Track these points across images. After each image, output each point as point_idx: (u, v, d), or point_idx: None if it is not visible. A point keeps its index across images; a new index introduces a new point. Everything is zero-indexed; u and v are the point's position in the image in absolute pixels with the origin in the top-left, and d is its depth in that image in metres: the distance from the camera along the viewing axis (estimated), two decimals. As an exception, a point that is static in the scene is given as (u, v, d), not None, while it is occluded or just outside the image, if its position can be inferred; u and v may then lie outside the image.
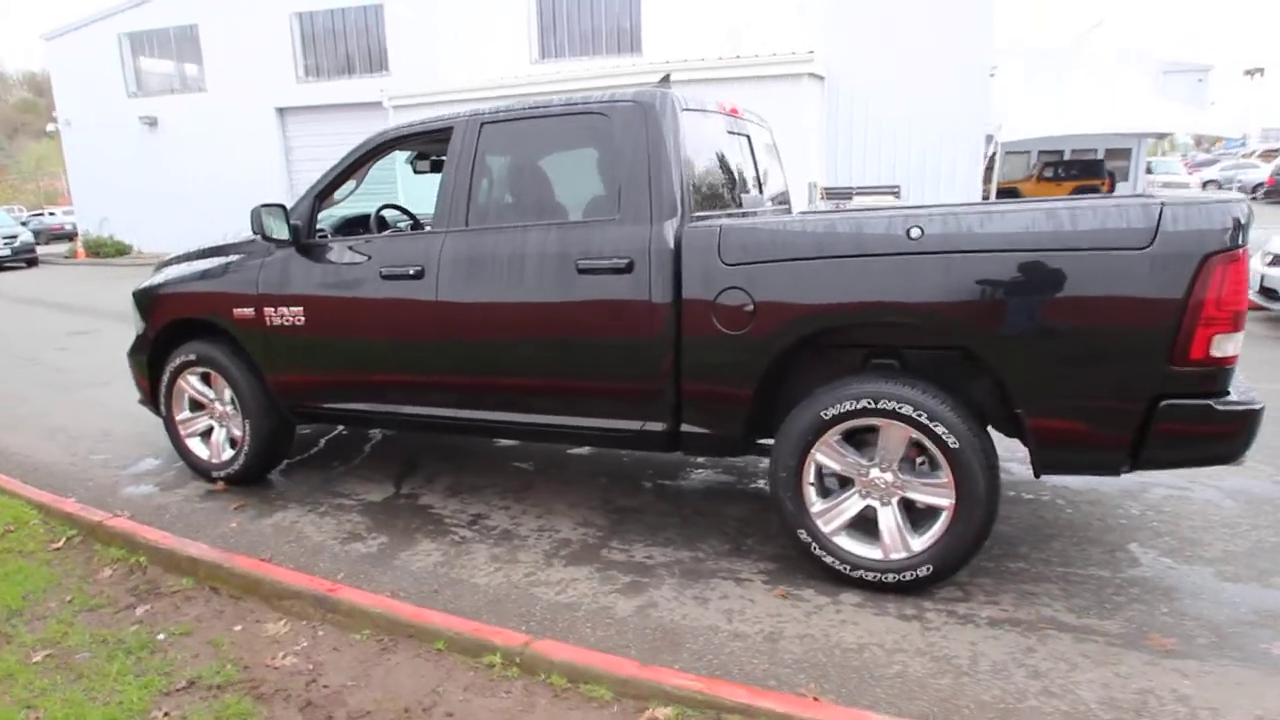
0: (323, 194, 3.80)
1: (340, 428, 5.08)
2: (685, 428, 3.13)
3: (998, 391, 2.80)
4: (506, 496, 3.93)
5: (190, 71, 19.85)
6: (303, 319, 3.73)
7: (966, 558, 2.78)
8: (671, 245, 2.99)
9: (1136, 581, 2.90)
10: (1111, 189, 20.21)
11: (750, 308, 2.87)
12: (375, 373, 3.66)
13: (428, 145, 4.11)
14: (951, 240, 2.60)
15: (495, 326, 3.32)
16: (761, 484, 4.01)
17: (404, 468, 4.42)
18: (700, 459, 4.31)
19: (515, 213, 3.39)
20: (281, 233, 3.66)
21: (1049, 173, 21.05)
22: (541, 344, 3.24)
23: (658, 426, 3.17)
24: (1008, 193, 19.07)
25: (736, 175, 3.62)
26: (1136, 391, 2.51)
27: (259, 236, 3.66)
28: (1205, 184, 27.68)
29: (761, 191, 3.92)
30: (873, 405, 2.76)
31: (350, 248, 3.67)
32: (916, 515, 2.88)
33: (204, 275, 4.05)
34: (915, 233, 2.66)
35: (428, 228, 3.65)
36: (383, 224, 4.23)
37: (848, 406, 2.79)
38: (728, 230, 2.92)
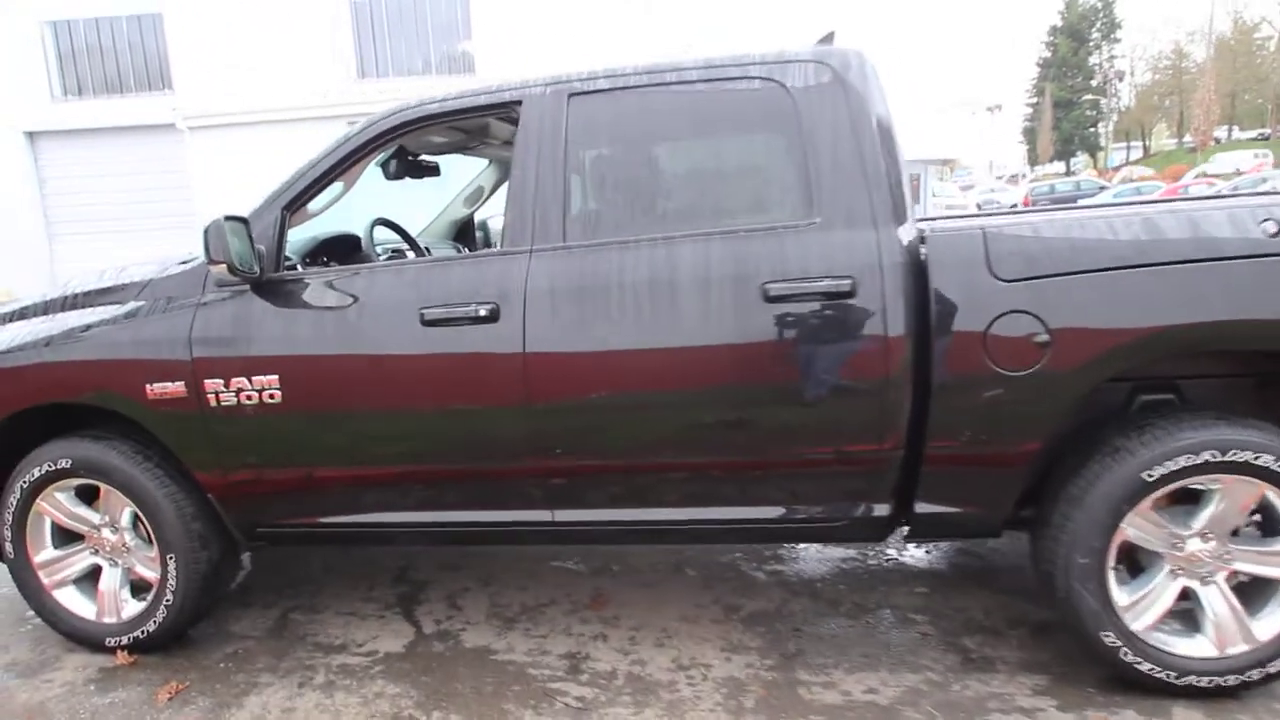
0: (294, 203, 2.52)
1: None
2: (923, 507, 2.24)
3: None
4: (586, 618, 2.81)
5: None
6: (278, 392, 2.42)
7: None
8: (908, 258, 2.12)
9: None
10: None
11: (1043, 337, 2.05)
12: (411, 463, 2.44)
13: (459, 131, 2.94)
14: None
15: (624, 385, 2.25)
16: (913, 555, 3.19)
17: (398, 585, 3.13)
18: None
19: (645, 220, 2.34)
20: (250, 262, 2.35)
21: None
22: (704, 406, 2.22)
23: (880, 509, 2.26)
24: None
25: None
26: None
27: (215, 267, 2.30)
28: (979, 204, 30.88)
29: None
30: (1218, 458, 2.04)
31: (357, 281, 2.43)
32: (1245, 593, 2.20)
33: (80, 336, 2.59)
34: (1271, 228, 1.99)
35: (496, 246, 2.51)
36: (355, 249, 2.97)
37: (1184, 463, 2.05)
38: (1000, 236, 2.09)
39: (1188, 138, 52.33)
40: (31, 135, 15.71)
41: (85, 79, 15.76)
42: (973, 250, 2.09)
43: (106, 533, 2.73)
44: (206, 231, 2.25)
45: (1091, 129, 57.90)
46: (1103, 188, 31.04)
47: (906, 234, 2.15)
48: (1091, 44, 58.26)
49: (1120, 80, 56.92)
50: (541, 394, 2.27)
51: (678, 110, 2.34)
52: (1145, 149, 59.71)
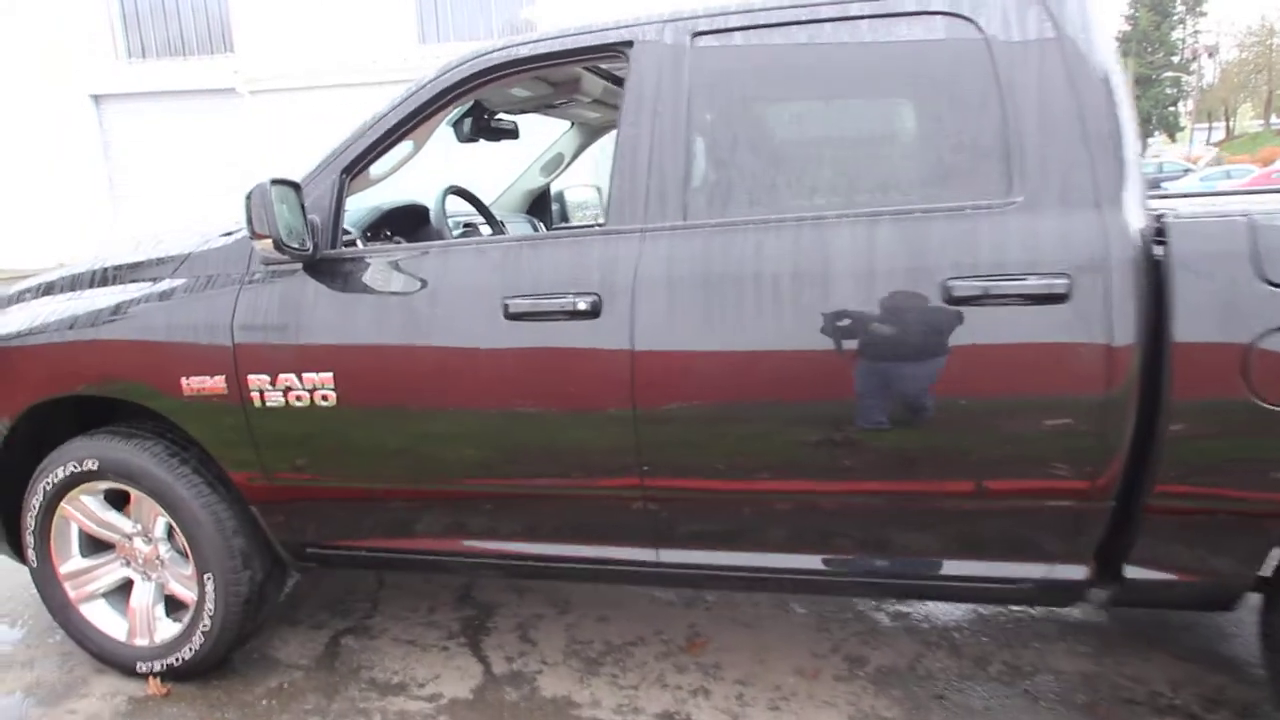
0: (354, 166, 2.11)
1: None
2: (1136, 572, 1.75)
3: None
4: (682, 665, 2.39)
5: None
6: (332, 392, 2.03)
7: None
8: (1142, 251, 1.62)
9: None
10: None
11: (1331, 362, 1.54)
12: (487, 479, 2.03)
13: (546, 83, 2.50)
14: None
15: (755, 393, 1.80)
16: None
17: (461, 607, 2.75)
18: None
19: (789, 195, 1.86)
20: (302, 236, 1.95)
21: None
22: (854, 426, 1.76)
23: (1075, 572, 1.78)
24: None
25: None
26: None
27: (259, 242, 1.90)
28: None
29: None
30: None
31: (428, 262, 2.01)
32: None
33: (108, 318, 2.22)
34: None
35: (571, 221, 2.07)
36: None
37: None
38: (1274, 229, 1.57)
39: (1275, 119, 49.35)
40: (97, 98, 15.74)
41: (149, 42, 15.71)
42: (1234, 244, 1.57)
43: (139, 543, 2.39)
44: (249, 198, 1.84)
45: (1171, 108, 55.02)
46: (1188, 170, 29.29)
47: (1137, 219, 1.64)
48: (1175, 18, 55.16)
49: (1210, 56, 53.82)
50: (650, 398, 1.83)
51: (833, 55, 1.84)
52: (1228, 130, 56.59)
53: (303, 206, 1.97)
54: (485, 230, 2.87)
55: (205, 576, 2.25)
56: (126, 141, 15.78)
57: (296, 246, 1.92)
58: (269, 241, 1.84)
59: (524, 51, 2.02)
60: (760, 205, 1.83)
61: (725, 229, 1.81)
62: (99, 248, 2.69)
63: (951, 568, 1.83)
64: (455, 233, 2.63)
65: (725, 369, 1.80)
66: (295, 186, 1.96)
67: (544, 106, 2.83)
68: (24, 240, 15.17)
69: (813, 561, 1.90)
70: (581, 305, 1.83)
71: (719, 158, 1.87)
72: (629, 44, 1.94)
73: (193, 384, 2.13)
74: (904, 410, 1.73)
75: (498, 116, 2.82)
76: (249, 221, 1.85)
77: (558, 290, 1.87)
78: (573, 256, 1.90)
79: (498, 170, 3.68)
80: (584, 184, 3.91)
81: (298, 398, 2.06)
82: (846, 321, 1.72)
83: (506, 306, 1.89)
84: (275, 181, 1.87)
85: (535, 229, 3.47)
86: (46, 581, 2.44)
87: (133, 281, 2.27)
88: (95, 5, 15.30)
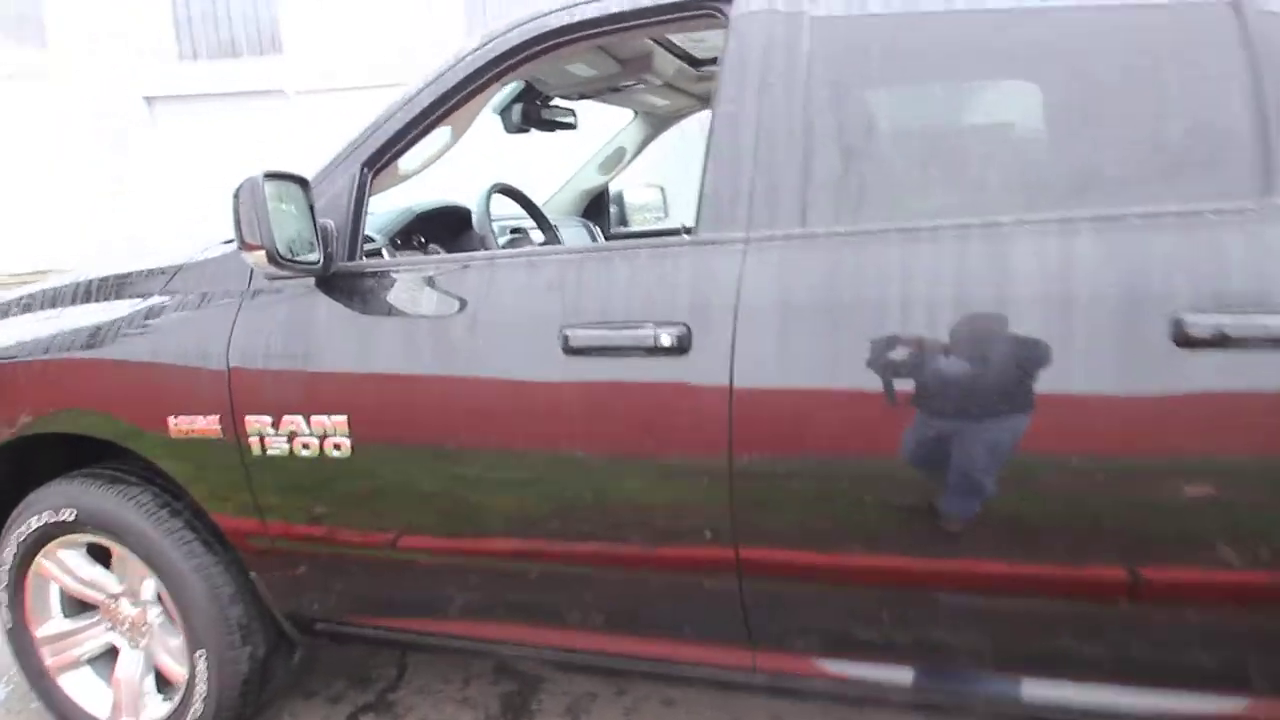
0: (379, 158, 1.70)
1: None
2: None
3: None
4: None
5: (30, 55, 16.35)
6: (346, 440, 1.62)
7: None
8: None
9: None
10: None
11: None
12: (538, 542, 1.59)
13: (613, 59, 2.07)
14: None
15: (893, 451, 1.34)
16: None
17: (500, 680, 2.33)
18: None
19: (947, 194, 1.40)
20: (309, 246, 1.54)
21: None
22: (1040, 490, 1.29)
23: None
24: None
25: None
26: None
27: (250, 255, 1.49)
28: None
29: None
30: None
31: (468, 277, 1.59)
32: None
33: (86, 343, 1.85)
34: None
35: (684, 233, 1.69)
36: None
37: None
38: None
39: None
40: (151, 100, 15.82)
41: (200, 44, 15.74)
42: None
43: (125, 605, 2.02)
44: (237, 197, 1.44)
45: None
46: None
47: None
48: None
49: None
50: (753, 445, 1.38)
51: (1005, 18, 1.37)
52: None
53: (311, 208, 1.57)
54: (537, 237, 2.45)
55: (198, 654, 1.87)
56: (177, 143, 15.82)
57: (301, 259, 1.52)
58: (261, 254, 1.44)
59: (590, 12, 1.58)
60: (907, 208, 1.37)
61: (859, 239, 1.35)
62: (98, 254, 2.33)
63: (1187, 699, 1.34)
64: (501, 240, 2.22)
65: (858, 416, 1.35)
66: (301, 183, 1.56)
67: (607, 90, 2.39)
68: (76, 239, 15.30)
69: (978, 684, 1.42)
70: (665, 339, 1.39)
71: (850, 145, 1.41)
72: (716, 9, 1.49)
73: (181, 424, 1.74)
74: (1105, 475, 1.25)
75: (552, 102, 2.40)
76: (237, 227, 1.45)
77: (633, 319, 1.43)
78: (652, 274, 1.46)
79: (548, 167, 3.27)
80: (645, 183, 3.47)
81: (304, 445, 1.66)
82: (1028, 361, 1.25)
83: (566, 338, 1.46)
84: (271, 176, 1.46)
85: (592, 235, 3.05)
86: (22, 646, 2.08)
87: (118, 298, 1.89)
88: (150, 8, 15.38)
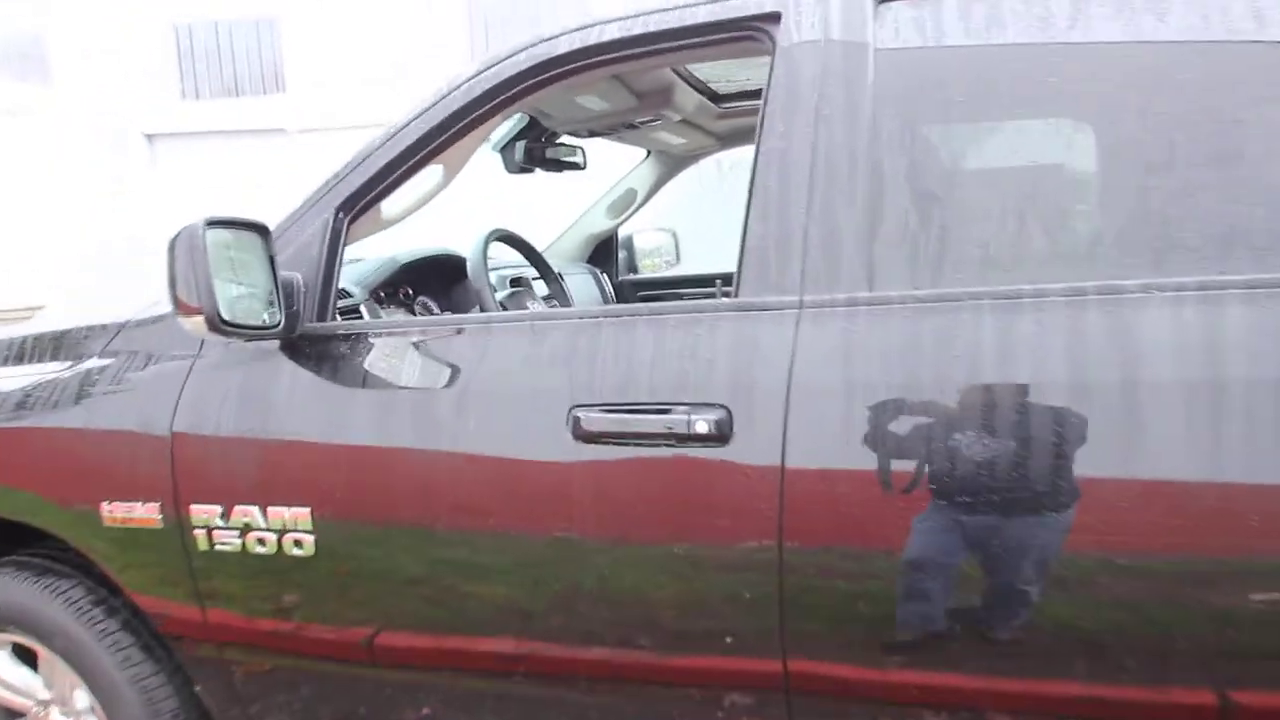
0: (357, 201, 1.44)
1: None
2: None
3: None
4: None
5: (31, 91, 16.34)
6: (309, 536, 1.34)
7: None
8: None
9: None
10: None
11: None
12: (536, 653, 1.30)
13: (630, 91, 1.83)
14: None
15: (988, 548, 1.05)
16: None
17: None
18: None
19: (1048, 252, 1.12)
20: (265, 309, 1.28)
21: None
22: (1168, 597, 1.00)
23: None
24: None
25: None
26: None
27: (187, 320, 1.22)
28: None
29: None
30: None
31: (460, 342, 1.33)
32: None
33: (18, 406, 1.57)
34: None
35: (720, 294, 1.57)
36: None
37: None
38: None
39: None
40: (150, 137, 15.78)
41: (204, 82, 15.74)
42: None
43: (56, 714, 1.72)
44: (172, 250, 1.18)
45: None
46: None
47: None
48: None
49: None
50: (810, 533, 1.10)
51: (1119, 51, 1.12)
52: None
53: (272, 260, 1.31)
54: (540, 289, 2.19)
55: (131, 778, 1.57)
56: (178, 181, 15.74)
57: (251, 324, 1.25)
58: (199, 319, 1.17)
59: (611, 33, 1.34)
60: (1001, 269, 1.11)
61: (941, 306, 1.09)
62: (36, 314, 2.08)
63: None
64: (500, 294, 1.96)
65: (942, 520, 1.07)
66: (259, 230, 1.30)
67: (621, 127, 2.14)
68: (74, 274, 15.12)
69: None
70: (701, 425, 1.12)
71: (928, 191, 1.16)
72: (775, 17, 1.24)
73: (116, 510, 1.47)
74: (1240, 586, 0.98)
75: (559, 140, 2.16)
76: (171, 286, 1.19)
77: (659, 399, 1.16)
78: (683, 343, 1.19)
79: (551, 207, 3.04)
80: (655, 227, 3.24)
81: (260, 541, 1.38)
82: (1162, 456, 0.98)
83: (576, 420, 1.19)
84: (216, 224, 1.21)
85: (599, 283, 2.80)
86: (-66, 763, 1.78)
87: (53, 359, 1.63)
88: (154, 47, 15.40)
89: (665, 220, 3.40)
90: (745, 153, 1.41)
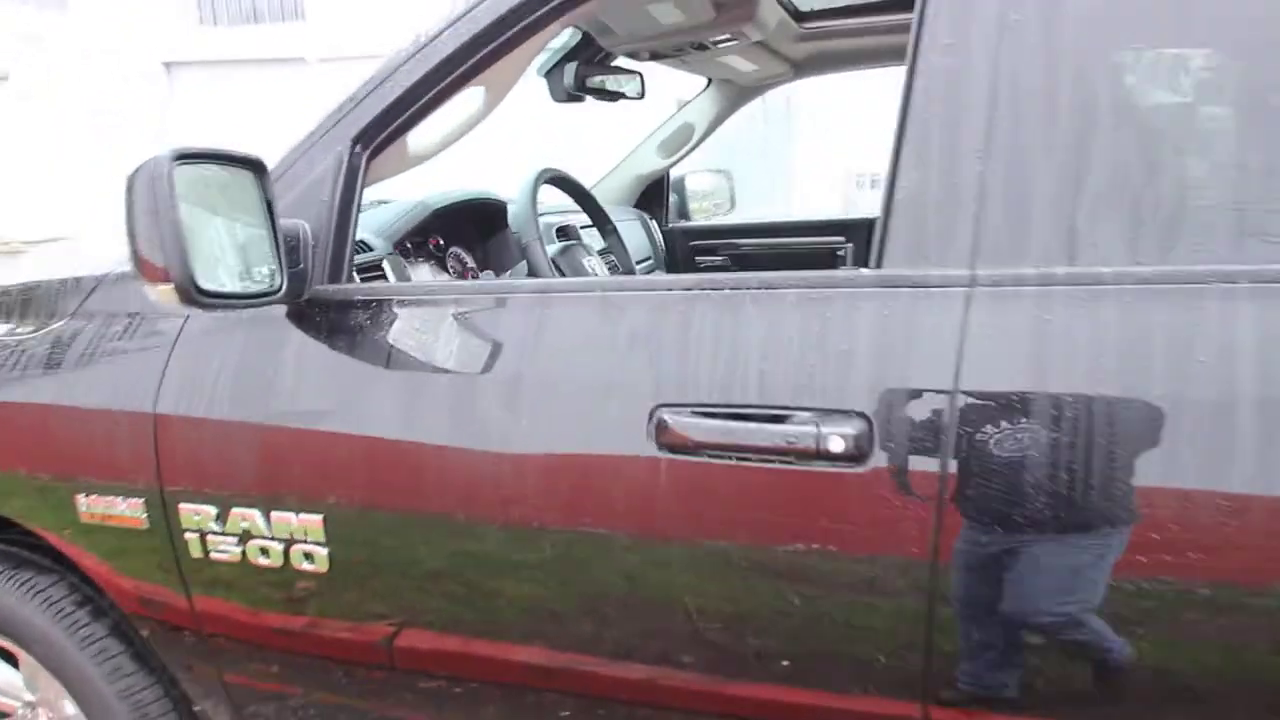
0: (375, 132, 1.14)
1: None
2: None
3: None
4: None
5: (48, 19, 15.92)
6: (322, 549, 1.09)
7: None
8: None
9: None
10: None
11: None
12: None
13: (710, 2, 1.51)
14: None
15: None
16: None
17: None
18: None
19: None
20: (268, 266, 1.01)
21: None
22: None
23: None
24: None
25: None
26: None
27: (155, 289, 0.94)
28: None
29: None
30: None
31: (507, 315, 1.05)
32: None
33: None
34: None
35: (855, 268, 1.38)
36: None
37: None
38: None
39: None
40: (169, 66, 15.39)
41: (221, 9, 15.26)
42: None
43: (43, 717, 1.52)
44: (130, 191, 0.90)
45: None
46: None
47: None
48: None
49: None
50: (967, 597, 0.84)
51: None
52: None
53: (270, 206, 1.03)
54: (590, 239, 1.88)
55: (124, 805, 1.36)
56: (196, 111, 15.40)
57: (239, 291, 0.98)
58: (168, 288, 0.90)
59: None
60: (1265, 240, 0.81)
61: (1177, 289, 0.79)
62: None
63: None
64: (553, 250, 1.65)
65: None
66: (252, 166, 1.02)
67: (689, 46, 1.80)
68: (90, 205, 14.95)
69: None
70: (834, 441, 0.84)
71: (1160, 130, 0.85)
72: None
73: (94, 506, 1.22)
74: None
75: (615, 63, 1.84)
76: (130, 240, 0.91)
77: (772, 401, 0.88)
78: (807, 328, 0.90)
79: (596, 138, 2.72)
80: (708, 168, 2.92)
81: (263, 552, 1.13)
82: None
83: (661, 423, 0.92)
84: (187, 158, 0.92)
85: (648, 229, 2.49)
86: (-90, 765, 1.59)
87: (21, 318, 1.37)
88: (169, -30, 14.88)
89: (716, 161, 3.08)
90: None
